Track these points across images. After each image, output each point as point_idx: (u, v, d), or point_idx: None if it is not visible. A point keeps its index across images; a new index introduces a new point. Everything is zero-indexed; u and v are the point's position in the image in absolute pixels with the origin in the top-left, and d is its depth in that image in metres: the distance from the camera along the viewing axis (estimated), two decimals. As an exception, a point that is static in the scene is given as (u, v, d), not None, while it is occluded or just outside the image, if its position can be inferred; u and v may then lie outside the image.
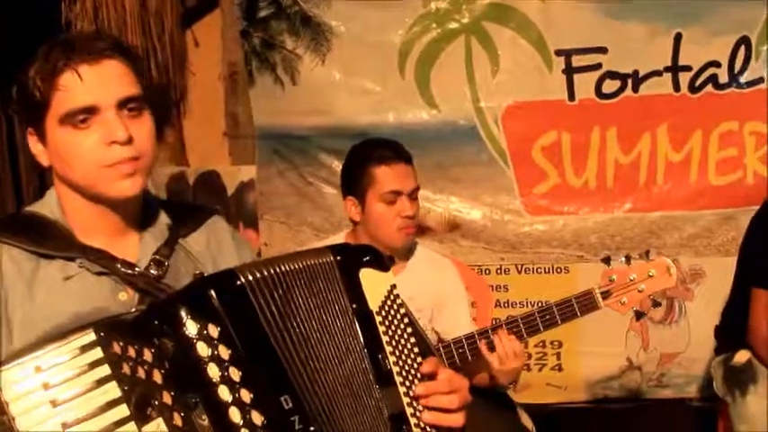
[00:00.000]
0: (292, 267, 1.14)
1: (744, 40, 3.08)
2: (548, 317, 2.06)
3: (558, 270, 3.16)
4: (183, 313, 1.03)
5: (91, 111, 1.14)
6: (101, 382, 1.04)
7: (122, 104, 1.16)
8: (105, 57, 1.16)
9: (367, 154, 2.16)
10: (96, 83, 1.14)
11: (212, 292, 1.04)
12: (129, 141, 1.15)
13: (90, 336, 1.05)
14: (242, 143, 3.26)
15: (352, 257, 1.21)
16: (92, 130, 1.15)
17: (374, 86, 3.16)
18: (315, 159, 3.21)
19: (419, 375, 1.20)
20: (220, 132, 3.29)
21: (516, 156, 3.14)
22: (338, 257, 1.19)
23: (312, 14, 3.14)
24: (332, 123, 3.17)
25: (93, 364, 1.04)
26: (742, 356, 2.51)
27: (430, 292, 2.19)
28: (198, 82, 3.28)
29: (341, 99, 3.17)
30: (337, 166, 3.17)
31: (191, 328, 1.03)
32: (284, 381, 1.06)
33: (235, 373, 1.02)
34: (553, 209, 3.15)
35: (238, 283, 1.07)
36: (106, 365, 1.05)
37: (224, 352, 1.02)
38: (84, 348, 1.04)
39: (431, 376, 1.20)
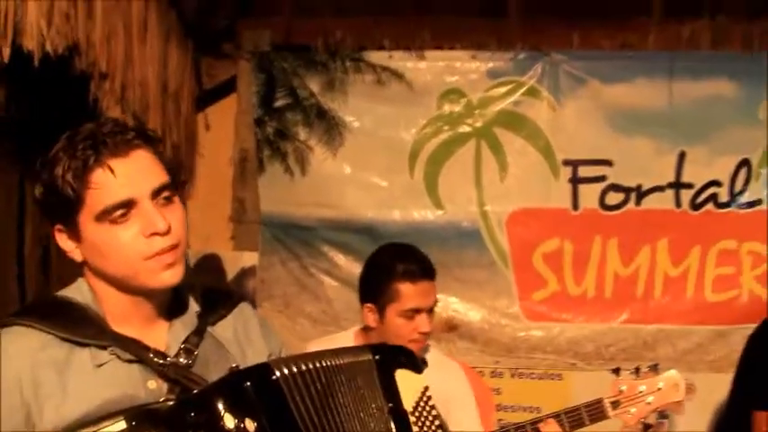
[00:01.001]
0: (329, 364, 1.24)
1: (745, 162, 3.43)
2: (559, 421, 2.22)
3: (552, 377, 3.43)
4: (220, 406, 1.12)
5: (128, 205, 1.21)
6: None
7: (156, 194, 1.23)
8: (134, 147, 1.22)
9: (393, 266, 2.24)
10: (129, 176, 1.21)
11: (249, 386, 1.14)
12: (169, 231, 1.22)
13: (121, 424, 1.13)
14: (246, 229, 3.52)
15: (390, 358, 1.32)
16: (130, 224, 1.21)
17: (382, 182, 3.45)
18: (318, 251, 3.48)
19: None
20: (225, 217, 3.55)
21: (518, 261, 3.43)
22: (377, 357, 1.30)
23: (328, 108, 3.43)
24: (338, 216, 3.46)
25: None
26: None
27: (439, 393, 2.36)
28: (206, 165, 3.55)
29: (349, 193, 3.46)
30: (340, 258, 3.45)
31: (228, 422, 1.12)
32: None
33: None
34: (551, 315, 3.45)
35: (273, 377, 1.17)
36: None
37: None
38: None
39: None
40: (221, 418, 1.12)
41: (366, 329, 2.34)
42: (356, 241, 3.40)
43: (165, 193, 1.24)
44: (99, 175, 1.20)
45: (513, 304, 3.44)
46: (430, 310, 2.27)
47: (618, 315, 3.45)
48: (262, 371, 1.19)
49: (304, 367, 1.21)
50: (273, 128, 3.47)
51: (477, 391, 2.63)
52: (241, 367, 1.24)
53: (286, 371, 1.19)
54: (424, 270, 2.25)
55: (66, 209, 1.22)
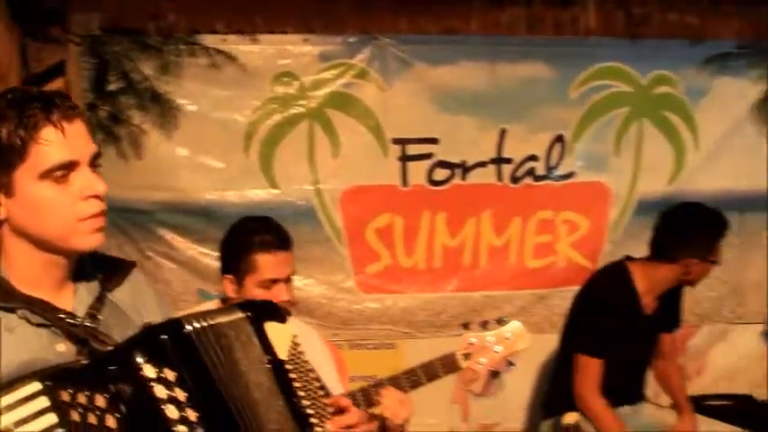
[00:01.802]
0: (220, 321, 1.40)
1: (559, 138, 3.95)
2: (414, 377, 2.42)
3: (387, 346, 3.84)
4: (139, 358, 1.24)
5: (70, 166, 1.31)
6: (48, 430, 1.19)
7: (93, 160, 1.36)
8: (77, 115, 1.34)
9: (249, 239, 2.45)
10: (75, 139, 1.32)
11: (166, 339, 1.27)
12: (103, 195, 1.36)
13: (35, 385, 1.20)
14: (82, 214, 3.69)
15: (258, 312, 1.50)
16: (69, 185, 1.32)
17: (218, 164, 3.72)
18: (154, 234, 3.73)
19: (329, 414, 1.59)
20: (60, 201, 3.71)
21: (352, 237, 3.81)
22: (248, 313, 1.48)
23: (162, 91, 3.67)
24: (174, 199, 3.72)
25: (39, 413, 1.19)
26: (571, 418, 3.25)
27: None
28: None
29: (185, 175, 3.72)
30: (177, 241, 3.70)
31: (148, 371, 1.24)
32: (233, 423, 1.32)
33: (192, 414, 1.25)
34: (385, 288, 3.86)
35: (186, 331, 1.31)
36: (53, 414, 1.19)
37: (180, 394, 1.25)
38: (30, 398, 1.19)
39: (341, 412, 1.69)
40: (141, 369, 1.24)
41: (226, 301, 2.51)
42: (193, 223, 3.68)
43: (98, 161, 1.37)
44: (49, 133, 1.30)
45: (349, 279, 3.82)
46: (287, 280, 2.49)
47: (447, 284, 3.92)
48: (175, 325, 1.33)
49: (204, 323, 1.35)
50: (107, 112, 3.66)
51: (334, 357, 2.83)
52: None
53: (197, 325, 1.33)
54: (280, 241, 2.46)
55: (3, 163, 1.30)
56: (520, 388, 3.94)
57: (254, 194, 3.74)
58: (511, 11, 3.84)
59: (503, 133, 3.88)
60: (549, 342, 3.59)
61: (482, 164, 3.89)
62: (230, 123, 3.72)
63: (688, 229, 3.29)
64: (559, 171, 3.95)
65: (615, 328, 3.23)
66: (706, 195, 3.97)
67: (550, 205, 3.96)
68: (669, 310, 3.50)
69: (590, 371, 3.23)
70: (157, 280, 3.71)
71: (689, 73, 4.02)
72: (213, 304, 2.58)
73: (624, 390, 3.39)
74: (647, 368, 3.58)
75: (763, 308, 4.23)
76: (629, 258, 3.41)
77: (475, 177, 3.89)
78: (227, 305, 1.67)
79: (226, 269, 2.52)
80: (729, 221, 3.35)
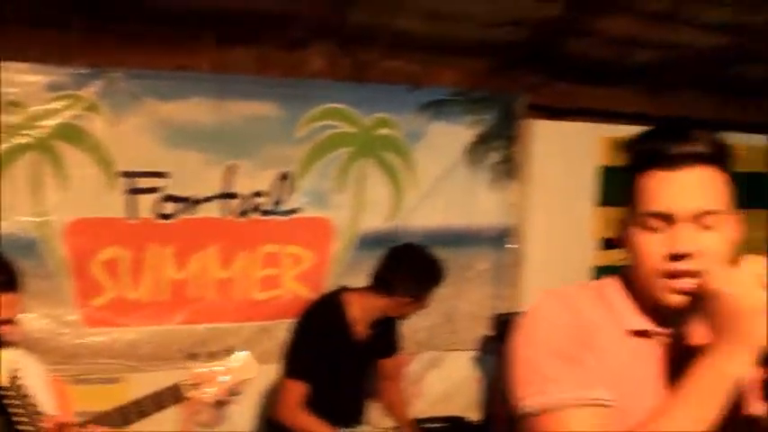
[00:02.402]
0: None
1: (285, 175, 4.61)
2: (140, 408, 2.69)
3: (111, 380, 4.35)
4: None
5: None
6: None
7: None
8: None
9: None
10: None
11: None
12: None
13: None
14: None
15: None
16: None
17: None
18: None
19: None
20: None
21: (76, 270, 4.24)
22: None
23: None
24: None
25: None
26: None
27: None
28: None
29: None
30: None
31: None
32: None
33: None
34: (110, 321, 4.31)
35: None
36: None
37: None
38: None
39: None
40: None
41: None
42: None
43: None
44: None
45: (73, 312, 4.22)
46: (12, 321, 2.60)
47: (173, 317, 4.42)
48: None
49: None
50: None
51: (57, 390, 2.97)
52: None
53: None
54: (4, 283, 2.58)
55: None
56: (245, 419, 4.58)
57: (-24, 227, 4.01)
58: (241, 51, 4.41)
59: (230, 169, 4.46)
60: (271, 373, 4.20)
61: (209, 198, 4.43)
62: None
63: (408, 270, 3.99)
64: (285, 207, 4.58)
65: (322, 352, 3.89)
66: (423, 231, 4.86)
67: (276, 239, 4.58)
68: (384, 337, 4.22)
69: (293, 393, 3.85)
70: None
71: (408, 117, 4.80)
72: None
73: (339, 413, 4.03)
74: (363, 392, 4.30)
75: (475, 335, 5.23)
76: (345, 288, 4.13)
77: (202, 212, 4.41)
78: None
79: None
80: (445, 271, 4.10)
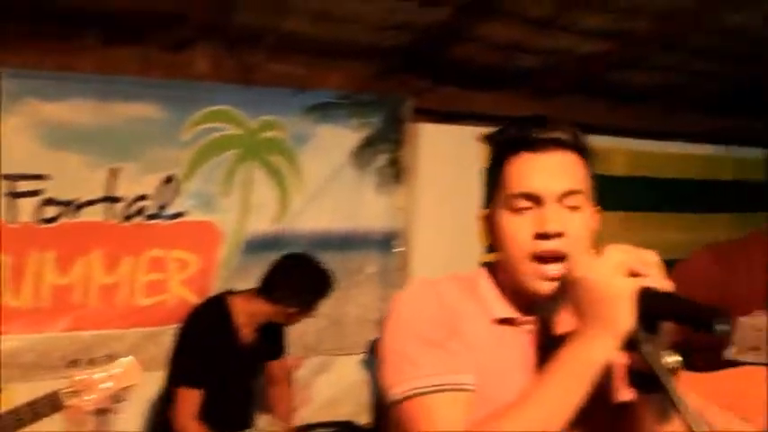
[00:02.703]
0: None
1: (170, 178, 4.80)
2: (17, 417, 2.80)
3: (-8, 389, 4.49)
4: None
5: None
6: None
7: None
8: None
9: None
10: None
11: None
12: None
13: None
14: None
15: None
16: None
17: None
18: None
19: None
20: None
21: (-45, 276, 4.39)
22: None
23: None
24: None
25: None
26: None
27: None
28: None
29: None
30: None
31: None
32: None
33: None
34: (-10, 328, 4.46)
35: None
36: None
37: None
38: None
39: None
40: None
41: None
42: None
43: None
44: None
45: None
46: None
47: (56, 324, 4.53)
48: None
49: None
50: None
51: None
52: None
53: None
54: None
55: None
56: (130, 426, 4.69)
57: None
58: (124, 51, 4.56)
59: (113, 172, 4.60)
60: (159, 379, 4.36)
61: (92, 202, 4.55)
62: None
63: (296, 282, 4.21)
64: (170, 210, 4.75)
65: (210, 357, 4.07)
66: (310, 235, 5.15)
67: (161, 244, 4.73)
68: (271, 340, 4.45)
69: (187, 401, 4.03)
70: None
71: (294, 119, 5.04)
72: None
73: (228, 418, 4.24)
74: (251, 396, 4.49)
75: (363, 339, 5.47)
76: (230, 292, 4.34)
77: (85, 215, 4.53)
78: None
79: None
80: (333, 283, 4.35)
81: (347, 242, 5.23)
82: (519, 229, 1.73)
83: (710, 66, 5.89)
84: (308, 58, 5.01)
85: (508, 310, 1.78)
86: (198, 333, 4.19)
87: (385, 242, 5.41)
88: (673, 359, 1.52)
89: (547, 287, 1.70)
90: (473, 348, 1.70)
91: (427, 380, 1.65)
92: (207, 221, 4.92)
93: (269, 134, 5.05)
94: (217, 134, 4.91)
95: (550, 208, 1.71)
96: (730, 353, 2.84)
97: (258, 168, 5.04)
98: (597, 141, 5.38)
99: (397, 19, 4.76)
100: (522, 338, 1.77)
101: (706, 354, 2.84)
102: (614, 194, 6.11)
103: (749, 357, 2.79)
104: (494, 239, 1.81)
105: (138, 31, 4.53)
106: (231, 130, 4.95)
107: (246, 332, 4.28)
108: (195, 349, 4.15)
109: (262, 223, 5.05)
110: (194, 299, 4.77)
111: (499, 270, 1.82)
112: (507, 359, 1.73)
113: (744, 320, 2.83)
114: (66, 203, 4.58)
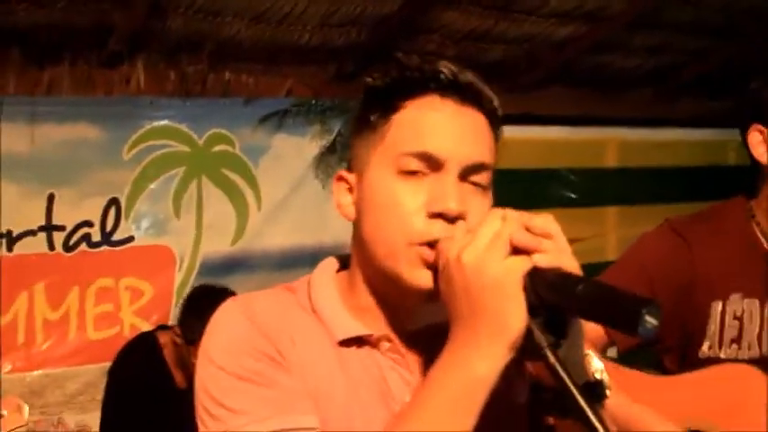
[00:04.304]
0: None
1: (114, 201, 4.62)
2: None
3: (-70, 438, 4.30)
4: None
5: None
6: None
7: None
8: None
9: None
10: None
11: None
12: None
13: None
14: None
15: None
16: None
17: None
18: None
19: None
20: None
21: None
22: None
23: None
24: None
25: None
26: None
27: None
28: None
29: None
30: None
31: None
32: None
33: None
34: (-72, 374, 4.30)
35: None
36: None
37: None
38: None
39: None
40: None
41: None
42: None
43: None
44: None
45: None
46: None
47: (2, 366, 4.36)
48: None
49: None
50: None
51: None
52: None
53: None
54: None
55: None
56: None
57: None
58: (53, 70, 4.44)
59: (51, 198, 4.44)
60: None
61: (31, 232, 4.42)
62: None
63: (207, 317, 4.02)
64: (117, 236, 4.60)
65: (142, 405, 3.76)
66: (273, 252, 4.94)
67: (110, 272, 4.57)
68: None
69: None
70: None
71: (245, 131, 4.88)
72: None
73: None
74: None
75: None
76: (163, 327, 4.08)
77: (23, 248, 4.39)
78: None
79: None
80: None
81: (314, 258, 4.91)
82: (406, 197, 1.30)
83: (700, 43, 5.64)
84: (253, 65, 4.82)
85: (357, 326, 1.37)
86: (122, 378, 3.92)
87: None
88: (595, 368, 1.18)
89: (425, 279, 1.28)
90: (310, 378, 1.30)
91: (253, 426, 1.24)
92: (158, 245, 4.75)
93: (218, 148, 4.89)
94: (161, 152, 4.75)
95: (452, 180, 1.29)
96: (705, 350, 2.43)
97: (210, 185, 4.87)
98: (586, 133, 5.22)
99: (343, 13, 4.56)
100: (381, 362, 1.36)
101: (672, 353, 2.48)
102: (607, 188, 5.83)
103: (729, 353, 2.38)
104: (359, 213, 1.39)
105: (67, 46, 4.38)
106: (177, 146, 4.80)
107: (180, 374, 3.88)
108: (120, 397, 3.88)
109: (219, 244, 4.87)
110: (150, 328, 4.53)
111: (355, 264, 1.43)
112: (360, 392, 1.33)
113: (719, 307, 2.41)
114: (3, 236, 4.43)
